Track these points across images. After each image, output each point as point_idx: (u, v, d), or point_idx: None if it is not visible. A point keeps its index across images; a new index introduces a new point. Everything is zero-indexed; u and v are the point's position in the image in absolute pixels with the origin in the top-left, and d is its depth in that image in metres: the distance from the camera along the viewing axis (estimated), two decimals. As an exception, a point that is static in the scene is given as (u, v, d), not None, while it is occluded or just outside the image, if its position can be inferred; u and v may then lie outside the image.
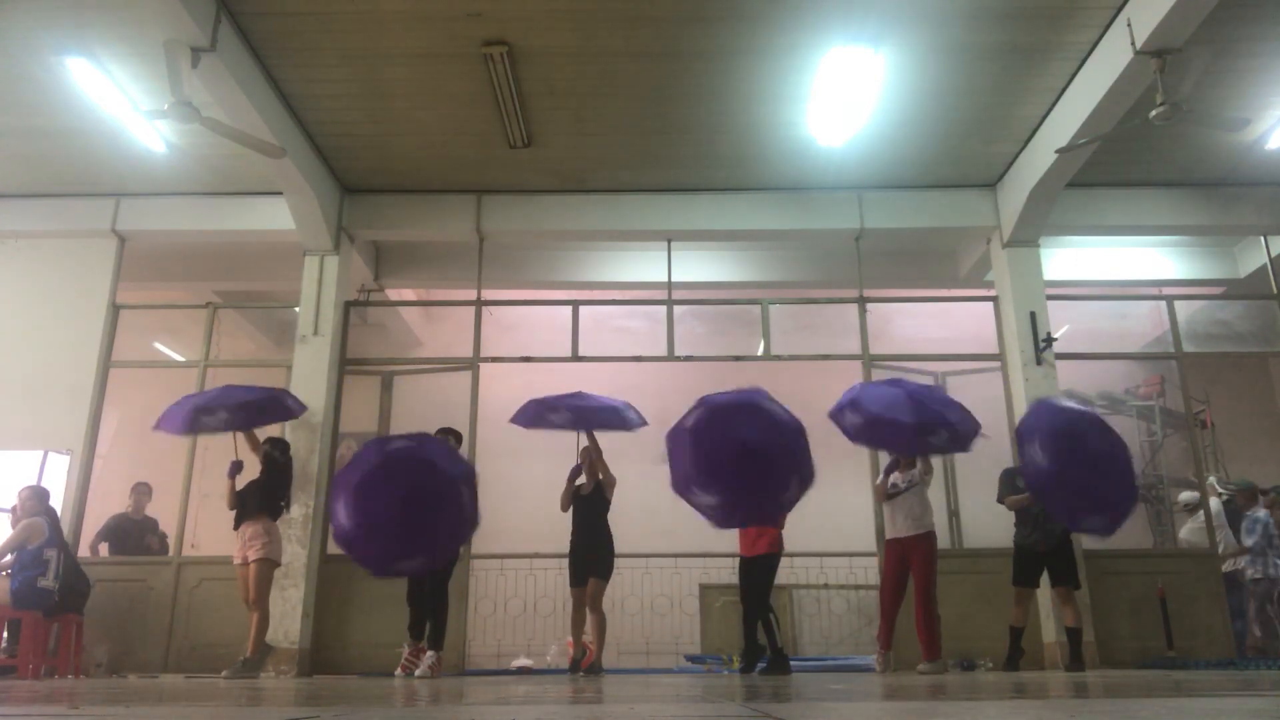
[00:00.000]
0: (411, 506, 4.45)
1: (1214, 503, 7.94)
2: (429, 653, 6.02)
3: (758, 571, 6.26)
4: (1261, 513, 7.88)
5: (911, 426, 5.29)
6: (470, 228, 8.15)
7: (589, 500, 6.55)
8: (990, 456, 6.88)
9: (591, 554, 6.41)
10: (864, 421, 5.35)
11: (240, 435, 6.61)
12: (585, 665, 6.27)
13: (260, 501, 6.62)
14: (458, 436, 6.58)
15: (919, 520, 6.35)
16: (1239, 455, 9.73)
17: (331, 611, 7.27)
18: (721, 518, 4.82)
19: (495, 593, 7.96)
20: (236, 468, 6.64)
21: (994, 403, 7.65)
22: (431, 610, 6.13)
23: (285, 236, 7.91)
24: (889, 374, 8.13)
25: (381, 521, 4.34)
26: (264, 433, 6.91)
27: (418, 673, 5.96)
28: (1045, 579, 6.56)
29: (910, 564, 6.31)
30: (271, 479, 6.72)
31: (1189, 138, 7.28)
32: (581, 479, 6.67)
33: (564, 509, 6.59)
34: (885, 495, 6.52)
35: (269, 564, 6.58)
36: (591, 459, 6.58)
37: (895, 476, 6.45)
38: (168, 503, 7.72)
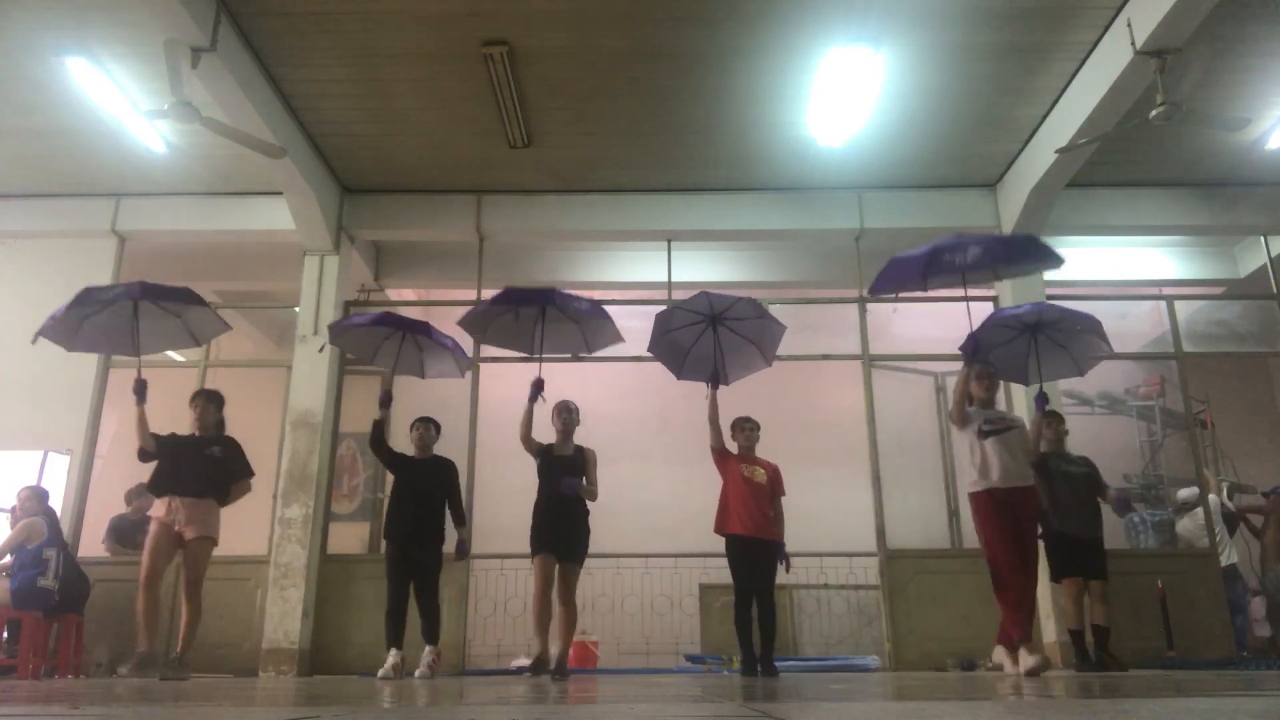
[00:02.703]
0: None
1: (1211, 498, 7.94)
2: (428, 649, 5.85)
3: (773, 558, 5.80)
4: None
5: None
6: (470, 228, 8.16)
7: (566, 466, 5.65)
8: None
9: (565, 531, 5.53)
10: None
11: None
12: (557, 668, 5.41)
13: (218, 480, 5.84)
14: (437, 426, 6.29)
15: (1024, 470, 5.35)
16: (1239, 455, 9.73)
17: (331, 611, 7.28)
18: None
19: (495, 593, 7.95)
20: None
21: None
22: (423, 609, 5.91)
23: (285, 236, 7.92)
24: (889, 374, 8.14)
25: None
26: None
27: (418, 672, 5.83)
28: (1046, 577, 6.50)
29: (1020, 521, 5.24)
30: (233, 458, 5.95)
31: (1189, 138, 7.28)
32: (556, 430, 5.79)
33: (524, 435, 5.62)
34: (979, 432, 5.36)
35: (211, 543, 5.79)
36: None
37: (981, 418, 5.43)
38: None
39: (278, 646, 6.91)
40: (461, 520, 6.17)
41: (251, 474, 6.04)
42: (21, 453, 7.44)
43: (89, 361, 7.66)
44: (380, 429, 5.93)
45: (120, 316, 5.82)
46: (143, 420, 5.70)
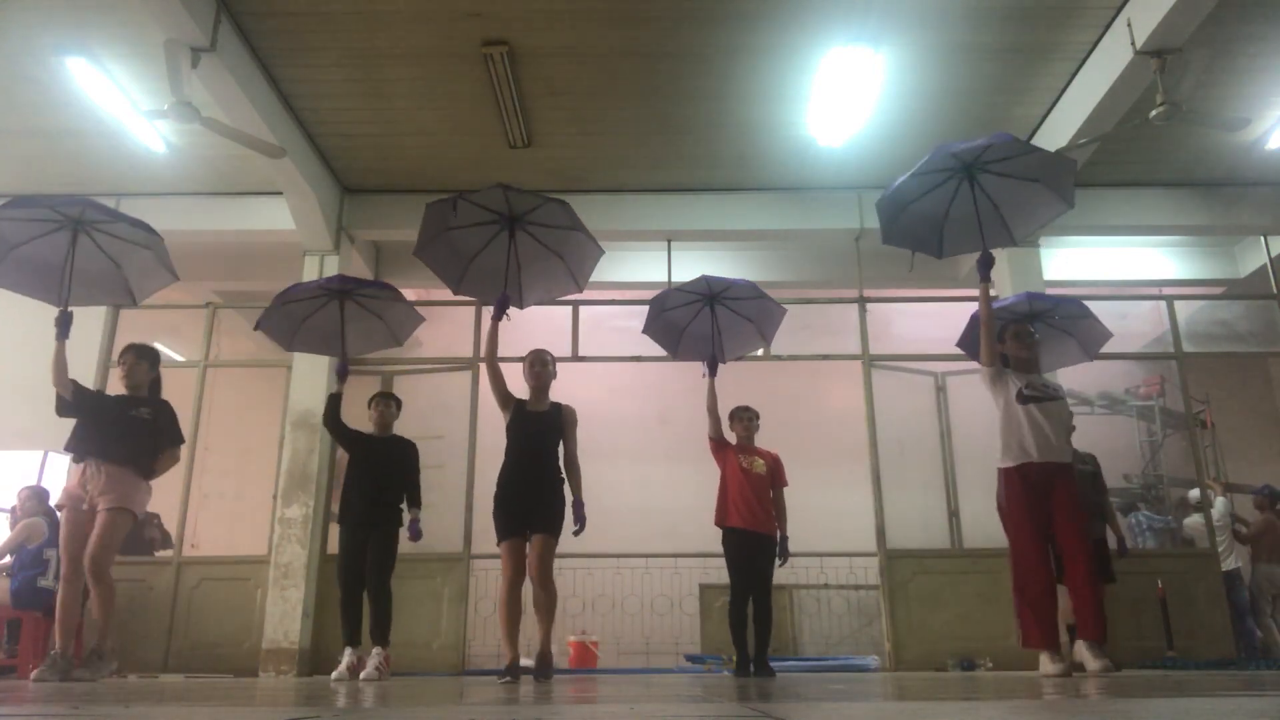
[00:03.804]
0: None
1: (1221, 501, 7.94)
2: (375, 649, 5.31)
3: (771, 554, 5.51)
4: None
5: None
6: (470, 228, 8.14)
7: (541, 423, 4.96)
8: (991, 458, 6.87)
9: (533, 501, 4.73)
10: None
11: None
12: (538, 665, 4.74)
13: (144, 448, 4.99)
14: (398, 403, 5.98)
15: (1064, 446, 4.63)
16: (1239, 455, 9.74)
17: (332, 611, 7.25)
18: None
19: (495, 593, 7.94)
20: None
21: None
22: (373, 602, 5.40)
23: (285, 236, 7.93)
24: (889, 374, 8.14)
25: None
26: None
27: (364, 674, 5.22)
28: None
29: (1054, 504, 4.48)
30: (162, 422, 5.11)
31: (1189, 138, 7.29)
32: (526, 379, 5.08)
33: (487, 356, 4.99)
34: (1019, 396, 4.70)
35: (127, 515, 4.87)
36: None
37: (1022, 381, 4.76)
38: (168, 502, 7.72)
39: (278, 646, 6.91)
40: (417, 502, 5.66)
41: (181, 441, 5.24)
42: (21, 453, 7.44)
43: (89, 361, 7.65)
44: (335, 403, 5.53)
45: (54, 250, 4.98)
46: (60, 360, 4.82)
